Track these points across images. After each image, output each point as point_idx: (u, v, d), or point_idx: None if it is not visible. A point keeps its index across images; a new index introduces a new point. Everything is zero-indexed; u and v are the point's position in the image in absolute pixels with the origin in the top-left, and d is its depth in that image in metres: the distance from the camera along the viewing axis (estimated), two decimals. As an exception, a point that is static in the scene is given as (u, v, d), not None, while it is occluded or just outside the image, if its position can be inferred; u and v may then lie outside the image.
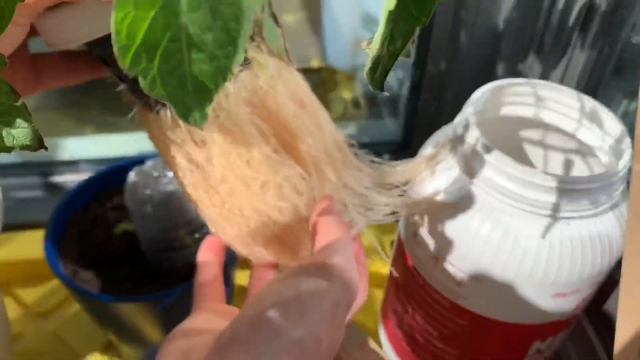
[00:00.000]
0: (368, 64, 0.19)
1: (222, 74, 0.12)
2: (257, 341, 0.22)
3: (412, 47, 0.24)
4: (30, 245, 0.61)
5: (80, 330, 0.58)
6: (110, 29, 0.24)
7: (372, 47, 0.18)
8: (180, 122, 0.29)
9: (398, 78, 0.83)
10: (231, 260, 0.49)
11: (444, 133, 0.43)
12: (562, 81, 0.54)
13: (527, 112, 0.44)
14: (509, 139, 0.46)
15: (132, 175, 0.47)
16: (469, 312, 0.41)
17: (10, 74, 0.28)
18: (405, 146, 0.74)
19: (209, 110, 0.12)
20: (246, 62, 0.29)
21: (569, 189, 0.35)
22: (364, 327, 0.57)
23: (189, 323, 0.28)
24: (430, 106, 0.73)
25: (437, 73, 0.71)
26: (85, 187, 0.52)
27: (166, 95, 0.12)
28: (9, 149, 0.17)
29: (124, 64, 0.11)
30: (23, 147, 0.18)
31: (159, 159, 0.49)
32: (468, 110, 0.39)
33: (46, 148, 0.19)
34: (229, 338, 0.23)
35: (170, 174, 0.47)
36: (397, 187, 0.39)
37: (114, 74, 0.29)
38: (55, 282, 0.61)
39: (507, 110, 0.44)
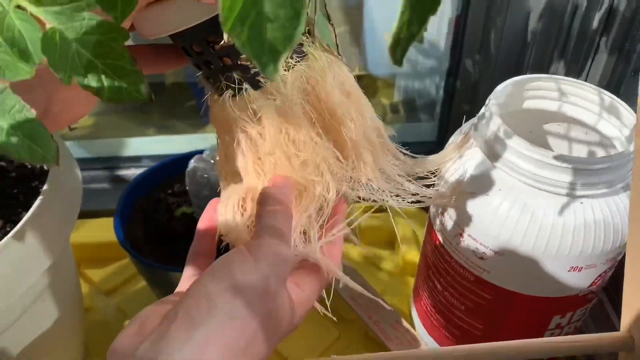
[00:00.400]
0: (390, 44, 0.24)
1: (289, 40, 0.17)
2: (196, 316, 0.26)
3: (447, 56, 0.28)
4: (98, 230, 0.69)
5: (142, 305, 0.64)
6: (192, 22, 0.29)
7: (393, 30, 0.24)
8: (241, 102, 0.34)
9: (435, 85, 0.88)
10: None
11: (469, 124, 0.48)
12: (585, 81, 0.58)
13: (548, 105, 0.48)
14: (532, 132, 0.50)
15: (192, 162, 0.53)
16: (492, 285, 0.45)
17: None
18: (439, 146, 0.79)
19: (279, 66, 0.18)
20: (302, 55, 0.33)
21: (582, 169, 0.39)
22: (399, 309, 0.62)
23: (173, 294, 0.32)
24: (463, 109, 0.77)
25: (470, 78, 0.76)
26: (149, 176, 0.59)
27: (251, 53, 0.17)
28: (137, 99, 0.23)
29: (226, 29, 0.17)
30: (139, 100, 0.24)
31: (215, 149, 0.55)
32: (491, 101, 0.44)
33: (152, 100, 0.24)
34: (174, 312, 0.26)
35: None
36: (427, 177, 0.42)
37: (193, 63, 0.34)
38: (119, 263, 0.68)
39: (529, 104, 0.49)
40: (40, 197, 0.42)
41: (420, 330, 0.57)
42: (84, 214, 0.71)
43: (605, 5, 0.55)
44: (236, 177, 0.37)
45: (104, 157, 0.76)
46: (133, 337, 0.26)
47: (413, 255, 0.67)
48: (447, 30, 0.79)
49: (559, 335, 0.48)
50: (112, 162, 0.76)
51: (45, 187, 0.43)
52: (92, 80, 0.22)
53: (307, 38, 0.34)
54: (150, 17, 0.29)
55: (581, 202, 0.40)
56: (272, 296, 0.28)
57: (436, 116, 0.85)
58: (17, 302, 0.40)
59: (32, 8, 0.21)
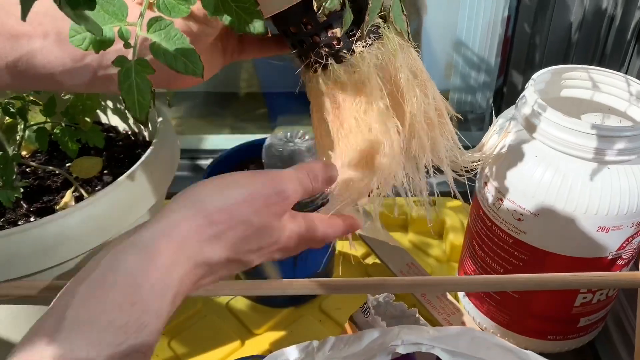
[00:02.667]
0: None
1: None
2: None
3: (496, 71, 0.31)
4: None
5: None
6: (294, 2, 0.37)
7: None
8: (331, 75, 0.39)
9: (486, 98, 0.95)
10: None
11: (504, 117, 0.55)
12: (626, 72, 0.64)
13: (583, 94, 0.55)
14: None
15: (268, 139, 0.62)
16: (528, 246, 0.51)
17: (224, 44, 0.41)
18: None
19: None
20: (378, 36, 0.38)
21: (608, 136, 0.45)
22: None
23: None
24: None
25: (516, 92, 0.83)
26: (231, 155, 0.68)
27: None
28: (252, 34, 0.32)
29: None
30: (258, 34, 0.32)
31: (286, 133, 0.64)
32: (530, 84, 0.51)
33: (268, 33, 0.32)
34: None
35: (295, 140, 0.62)
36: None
37: (290, 43, 0.39)
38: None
39: (566, 93, 0.55)
40: (149, 149, 0.51)
41: (463, 301, 0.63)
42: (169, 196, 0.81)
43: (636, 18, 0.61)
44: (327, 137, 0.42)
45: (186, 149, 0.87)
46: None
47: (459, 242, 0.72)
48: (497, 48, 0.87)
49: (591, 299, 0.52)
50: (193, 154, 0.87)
51: (153, 144, 0.53)
52: (226, 19, 0.31)
53: (384, 22, 0.38)
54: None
55: (608, 167, 0.46)
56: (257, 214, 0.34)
57: (485, 127, 0.91)
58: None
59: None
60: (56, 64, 0.35)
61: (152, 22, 0.30)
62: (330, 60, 0.37)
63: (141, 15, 0.30)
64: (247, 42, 0.43)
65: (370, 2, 0.34)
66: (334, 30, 0.36)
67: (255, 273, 0.65)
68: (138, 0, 0.33)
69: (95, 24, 0.27)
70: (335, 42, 0.37)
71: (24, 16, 0.25)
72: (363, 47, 0.37)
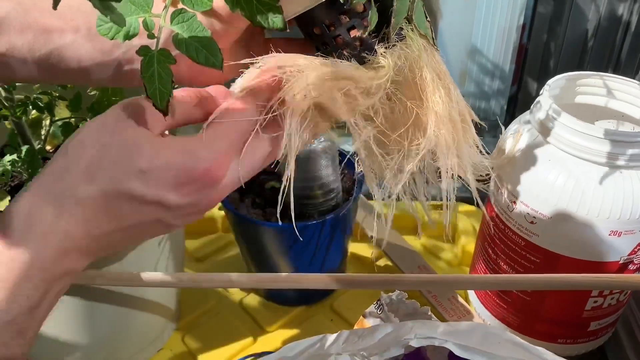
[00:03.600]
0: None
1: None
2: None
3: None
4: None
5: (227, 271, 0.74)
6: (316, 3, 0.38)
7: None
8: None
9: (500, 106, 0.96)
10: (345, 229, 0.64)
11: (515, 123, 0.56)
12: None
13: (598, 101, 0.55)
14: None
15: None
16: (540, 249, 0.51)
17: (250, 49, 0.41)
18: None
19: None
20: (401, 37, 0.38)
21: (620, 140, 0.46)
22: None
23: None
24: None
25: (530, 100, 0.84)
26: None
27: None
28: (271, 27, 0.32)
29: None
30: (278, 29, 0.33)
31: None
32: (545, 89, 0.52)
33: (285, 27, 0.33)
34: None
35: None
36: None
37: (314, 45, 0.40)
38: (211, 236, 0.79)
39: (580, 99, 0.56)
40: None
41: (474, 303, 0.63)
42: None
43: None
44: None
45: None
46: None
47: (471, 247, 0.73)
48: (512, 55, 0.87)
49: (601, 303, 0.53)
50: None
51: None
52: (247, 10, 0.32)
53: (407, 23, 0.38)
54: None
55: (620, 172, 0.47)
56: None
57: (499, 134, 0.92)
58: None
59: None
60: (86, 58, 0.36)
61: (175, 14, 0.31)
62: (354, 61, 0.37)
63: (165, 7, 0.31)
64: (272, 45, 0.43)
65: (395, 4, 0.35)
66: (357, 32, 0.37)
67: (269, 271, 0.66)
68: None
69: (120, 15, 0.28)
70: (358, 43, 0.37)
71: (55, 5, 0.26)
72: (385, 47, 0.37)
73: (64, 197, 0.30)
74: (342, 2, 0.35)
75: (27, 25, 0.35)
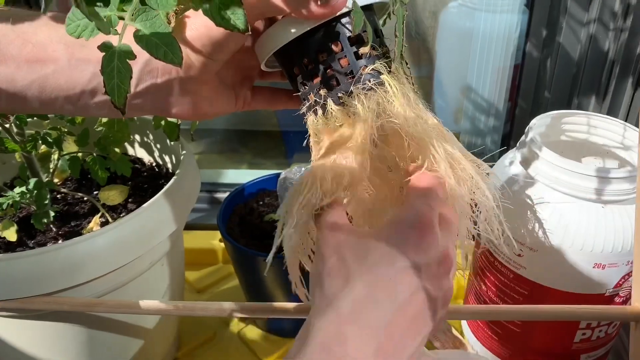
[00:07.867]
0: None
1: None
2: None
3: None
4: (196, 240, 0.82)
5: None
6: (286, 41, 0.40)
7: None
8: (330, 117, 0.42)
9: (495, 142, 0.98)
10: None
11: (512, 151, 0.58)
12: (627, 117, 0.68)
13: (582, 138, 0.58)
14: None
15: (283, 173, 0.66)
16: (528, 281, 0.53)
17: (237, 90, 0.43)
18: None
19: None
20: (378, 80, 0.37)
21: (602, 176, 0.48)
22: (451, 324, 0.69)
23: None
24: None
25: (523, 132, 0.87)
26: (246, 188, 0.72)
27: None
28: (232, 27, 0.31)
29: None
30: (239, 29, 0.34)
31: (300, 167, 0.67)
32: (531, 126, 0.54)
33: (248, 30, 0.31)
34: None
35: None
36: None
37: (293, 86, 0.40)
38: (212, 268, 0.81)
39: (566, 137, 0.58)
40: (173, 179, 0.55)
41: (468, 335, 0.64)
42: (187, 227, 0.85)
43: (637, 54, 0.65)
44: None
45: (205, 182, 0.91)
46: None
47: (464, 280, 0.74)
48: (505, 94, 0.90)
49: (590, 335, 0.54)
50: (212, 187, 0.91)
51: (176, 174, 0.56)
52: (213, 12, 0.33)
53: (387, 69, 0.37)
54: (259, 43, 0.39)
55: (602, 207, 0.49)
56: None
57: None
58: (149, 254, 0.53)
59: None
60: (66, 87, 0.36)
61: (139, 12, 0.31)
62: (330, 101, 0.37)
63: (131, 4, 0.31)
64: (259, 92, 0.45)
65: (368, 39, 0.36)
66: (333, 71, 0.37)
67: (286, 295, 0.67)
68: None
69: (104, 22, 0.30)
70: (334, 83, 0.37)
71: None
72: (363, 89, 0.36)
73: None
74: (319, 38, 0.36)
75: (9, 56, 0.35)
